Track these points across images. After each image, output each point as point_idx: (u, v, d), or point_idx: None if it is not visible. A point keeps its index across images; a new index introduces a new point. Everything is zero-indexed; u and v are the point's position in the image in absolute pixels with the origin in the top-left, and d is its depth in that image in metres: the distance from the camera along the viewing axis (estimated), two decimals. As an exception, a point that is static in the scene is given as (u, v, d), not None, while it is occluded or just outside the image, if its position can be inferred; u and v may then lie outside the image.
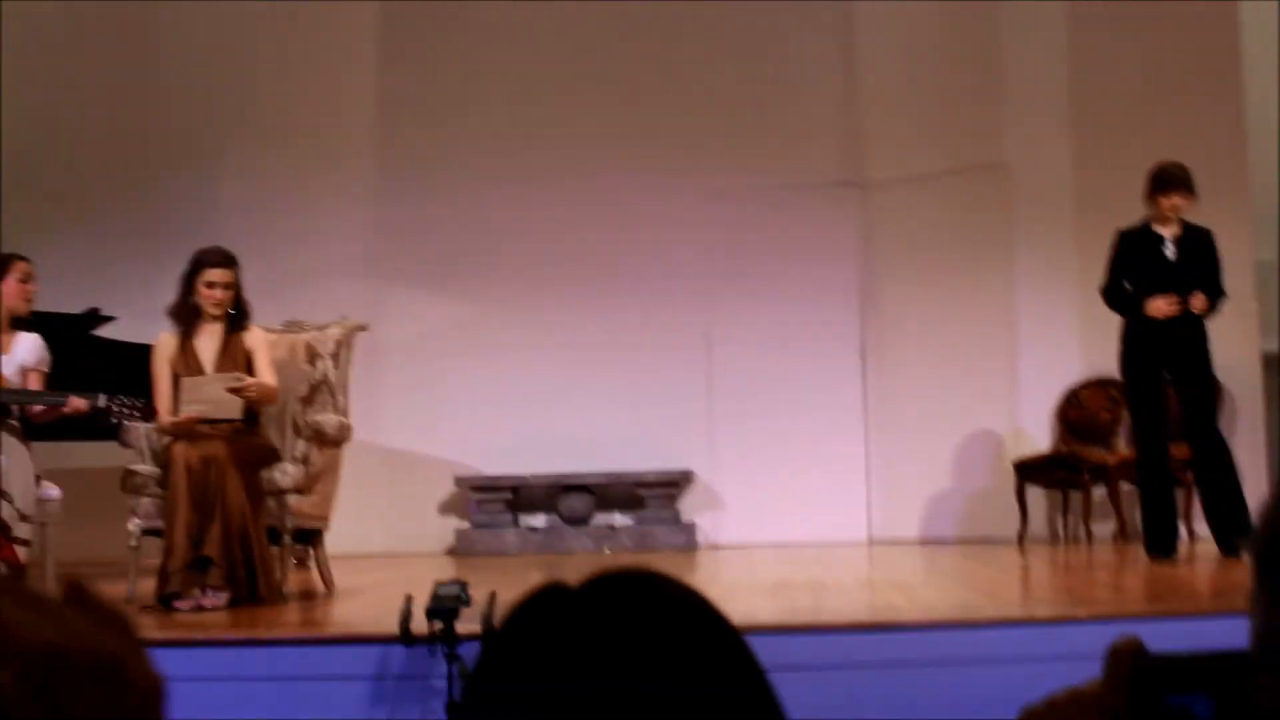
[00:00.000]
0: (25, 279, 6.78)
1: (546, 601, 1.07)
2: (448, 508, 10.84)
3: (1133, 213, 7.91)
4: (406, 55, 11.12)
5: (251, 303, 7.02)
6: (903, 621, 5.21)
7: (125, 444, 6.89)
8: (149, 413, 6.63)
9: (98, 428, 7.19)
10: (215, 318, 6.85)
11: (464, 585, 4.76)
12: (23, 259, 6.86)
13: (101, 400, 6.46)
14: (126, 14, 10.87)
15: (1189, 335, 7.52)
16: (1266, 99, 10.10)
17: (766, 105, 10.91)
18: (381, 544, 9.97)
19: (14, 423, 6.56)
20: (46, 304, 8.05)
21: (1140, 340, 7.61)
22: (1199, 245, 7.67)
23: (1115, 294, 7.78)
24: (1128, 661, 1.20)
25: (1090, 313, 9.46)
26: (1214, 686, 1.13)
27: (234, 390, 6.50)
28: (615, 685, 1.01)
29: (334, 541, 7.50)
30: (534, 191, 10.88)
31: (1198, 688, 1.14)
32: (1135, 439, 7.87)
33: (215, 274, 6.81)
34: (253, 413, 6.74)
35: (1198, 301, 7.47)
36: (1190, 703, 1.14)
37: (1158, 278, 7.60)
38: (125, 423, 6.61)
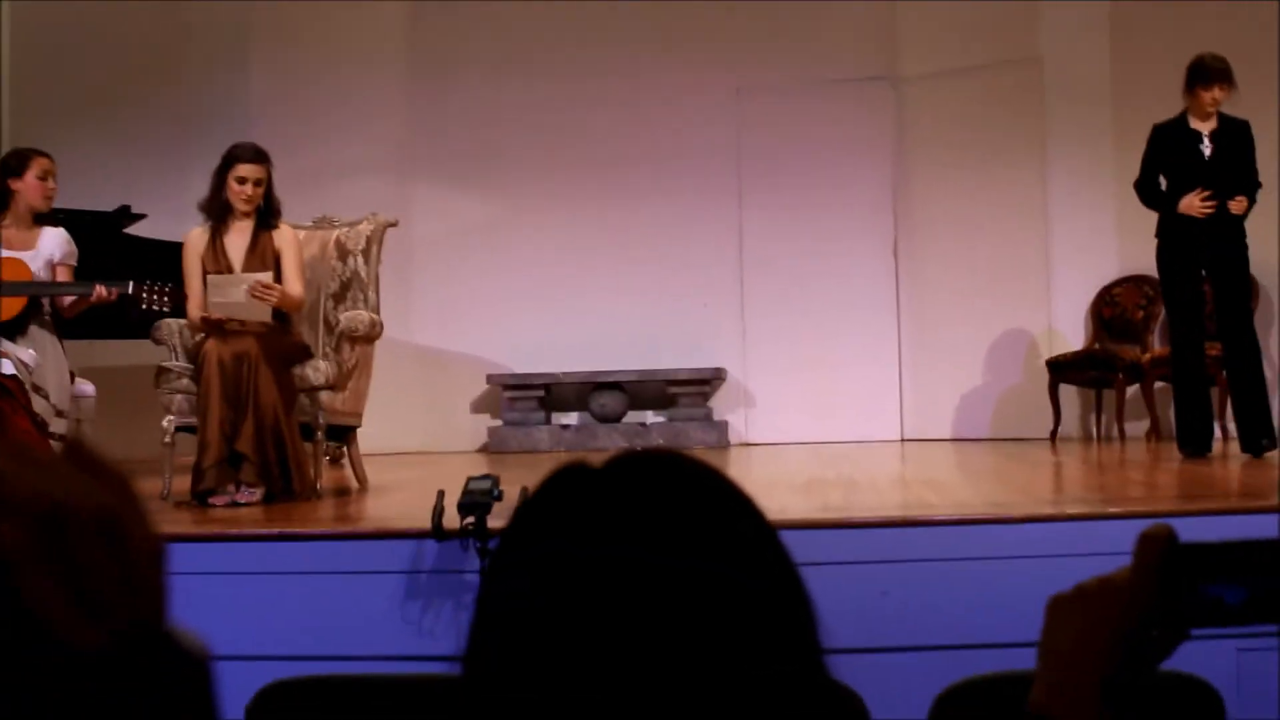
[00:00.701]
0: (45, 176, 6.75)
1: (569, 477, 1.07)
2: (480, 405, 10.89)
3: (1169, 109, 7.81)
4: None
5: (282, 200, 7.01)
6: (935, 518, 5.20)
7: (158, 341, 6.92)
8: (177, 296, 6.65)
9: (130, 323, 7.23)
10: (246, 214, 6.85)
11: (495, 481, 4.78)
12: (43, 154, 6.82)
13: (130, 287, 6.49)
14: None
15: (1226, 234, 7.44)
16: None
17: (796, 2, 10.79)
18: (415, 442, 10.03)
19: (46, 318, 6.60)
20: (77, 201, 8.07)
21: (1177, 238, 7.52)
22: (1237, 138, 7.57)
23: (1150, 190, 7.70)
24: (1158, 548, 1.19)
25: (1126, 210, 9.40)
26: (1247, 575, 1.11)
27: (256, 295, 6.51)
28: (637, 555, 1.00)
29: (367, 439, 7.54)
30: (565, 88, 10.84)
31: (1230, 577, 1.13)
32: (1171, 337, 7.81)
33: (246, 169, 6.80)
34: (281, 312, 6.75)
35: (1236, 205, 7.39)
36: (1222, 592, 1.12)
37: (1193, 174, 7.51)
38: (154, 309, 6.63)
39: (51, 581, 0.57)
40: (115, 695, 0.58)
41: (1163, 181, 7.64)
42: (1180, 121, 7.64)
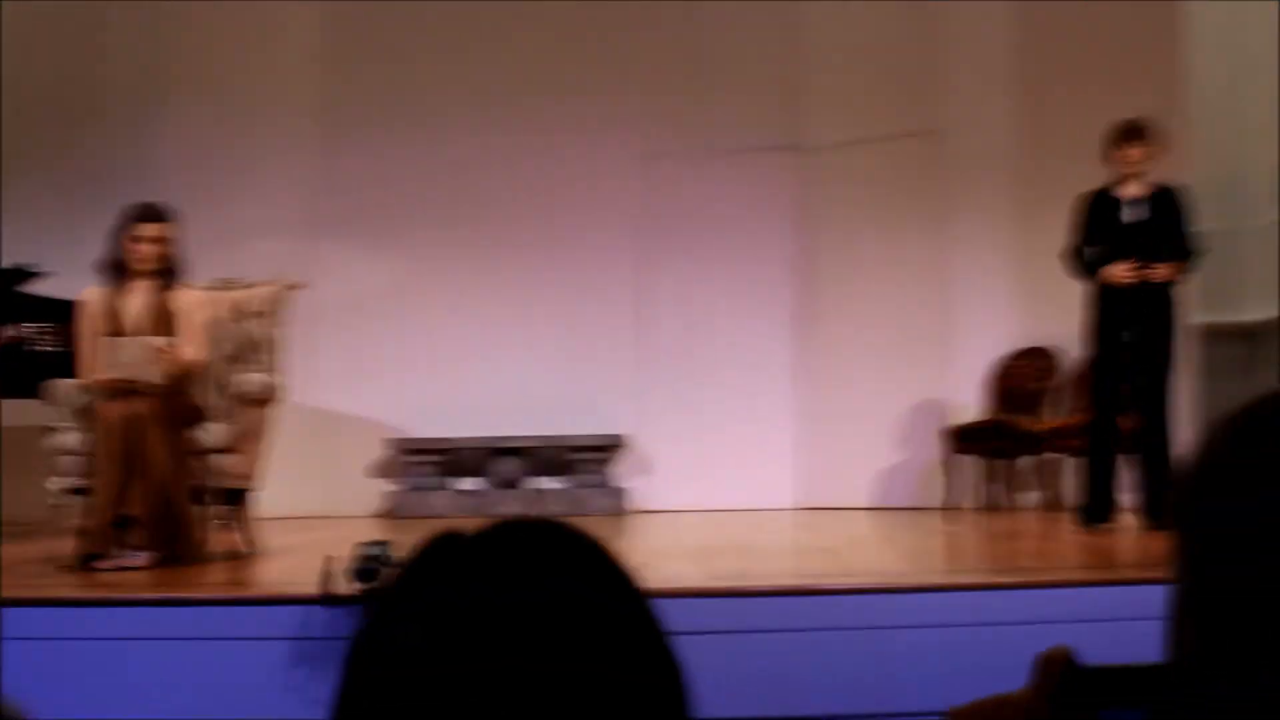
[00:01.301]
0: None
1: (440, 548, 1.07)
2: (380, 470, 10.83)
3: (1071, 184, 7.87)
4: (347, 11, 11.05)
5: (187, 261, 6.95)
6: (827, 587, 5.21)
7: (45, 400, 6.84)
8: (63, 335, 6.59)
9: (19, 380, 7.14)
10: (147, 274, 6.79)
11: (386, 545, 4.77)
12: None
13: (9, 330, 6.42)
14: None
15: (1153, 303, 7.43)
16: (1208, 68, 10.19)
17: (705, 66, 10.89)
18: (315, 505, 9.95)
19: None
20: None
21: (1104, 307, 7.52)
22: (1167, 205, 7.55)
23: (1077, 258, 7.67)
24: (1057, 671, 1.19)
25: (1025, 281, 9.54)
26: (1143, 700, 1.10)
27: (153, 360, 6.46)
28: (504, 628, 0.98)
29: (267, 502, 7.50)
30: (471, 150, 10.88)
31: (1126, 701, 1.12)
32: (1092, 405, 7.77)
33: (145, 229, 6.76)
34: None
35: (1159, 272, 7.38)
36: (1118, 717, 1.11)
37: (1117, 242, 7.51)
38: (42, 350, 6.56)
39: None
40: None
41: (1091, 250, 7.62)
42: (1104, 190, 7.65)
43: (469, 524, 1.09)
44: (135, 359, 6.46)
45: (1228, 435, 1.06)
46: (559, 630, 1.00)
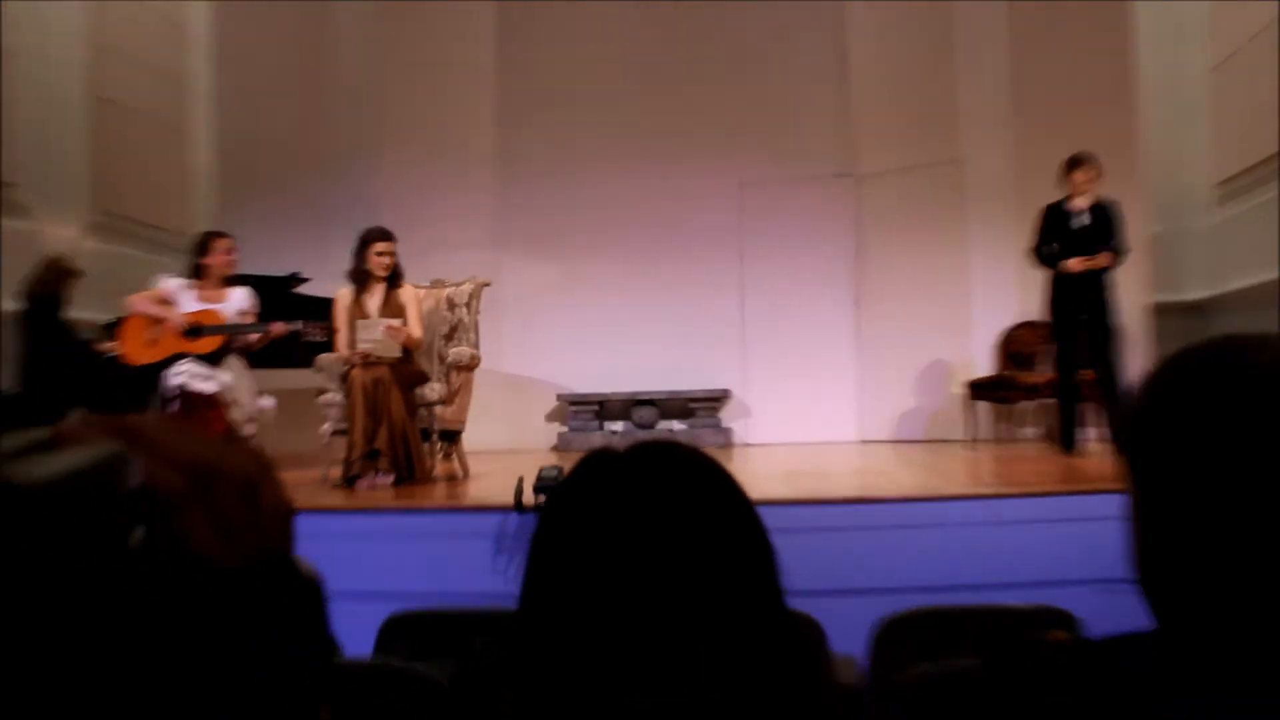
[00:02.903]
0: (228, 251, 6.87)
1: (599, 458, 1.11)
2: (552, 416, 10.94)
3: (1054, 197, 7.82)
4: (515, 83, 11.16)
5: (404, 267, 7.11)
6: (878, 495, 5.25)
7: (318, 369, 7.02)
8: (330, 333, 6.75)
9: (296, 358, 7.32)
10: (379, 279, 6.94)
11: (560, 469, 4.83)
12: (223, 235, 6.94)
13: (298, 324, 6.59)
14: (312, 52, 10.94)
15: (1097, 286, 7.40)
16: (1158, 102, 10.02)
17: (780, 111, 10.88)
18: (504, 443, 10.07)
19: (238, 352, 6.71)
20: (264, 267, 8.21)
21: (1061, 291, 7.49)
22: (1105, 214, 7.53)
23: (1039, 254, 7.64)
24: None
25: (1024, 272, 9.40)
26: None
27: (389, 334, 6.60)
28: (650, 517, 1.02)
29: (469, 440, 7.61)
30: (610, 183, 10.93)
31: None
32: (1056, 365, 7.78)
33: (382, 245, 6.91)
34: (407, 350, 6.84)
35: (1101, 259, 7.36)
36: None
37: (1072, 241, 7.48)
38: (315, 340, 6.72)
39: (200, 517, 0.61)
40: (245, 601, 0.62)
41: (1051, 248, 7.58)
42: (1063, 202, 7.62)
43: (618, 443, 1.12)
44: (378, 334, 6.61)
45: (1164, 376, 1.03)
46: (682, 522, 1.03)
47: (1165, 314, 9.75)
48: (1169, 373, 1.02)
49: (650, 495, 1.04)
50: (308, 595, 0.67)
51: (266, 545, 0.64)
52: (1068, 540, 4.74)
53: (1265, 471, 0.92)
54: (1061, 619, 2.87)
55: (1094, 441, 7.92)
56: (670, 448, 1.12)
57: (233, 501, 0.63)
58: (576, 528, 1.04)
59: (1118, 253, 7.50)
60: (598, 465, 1.09)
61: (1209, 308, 10.39)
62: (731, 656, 1.00)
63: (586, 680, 0.99)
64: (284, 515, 0.67)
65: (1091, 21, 9.55)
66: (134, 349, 6.60)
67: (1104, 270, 7.41)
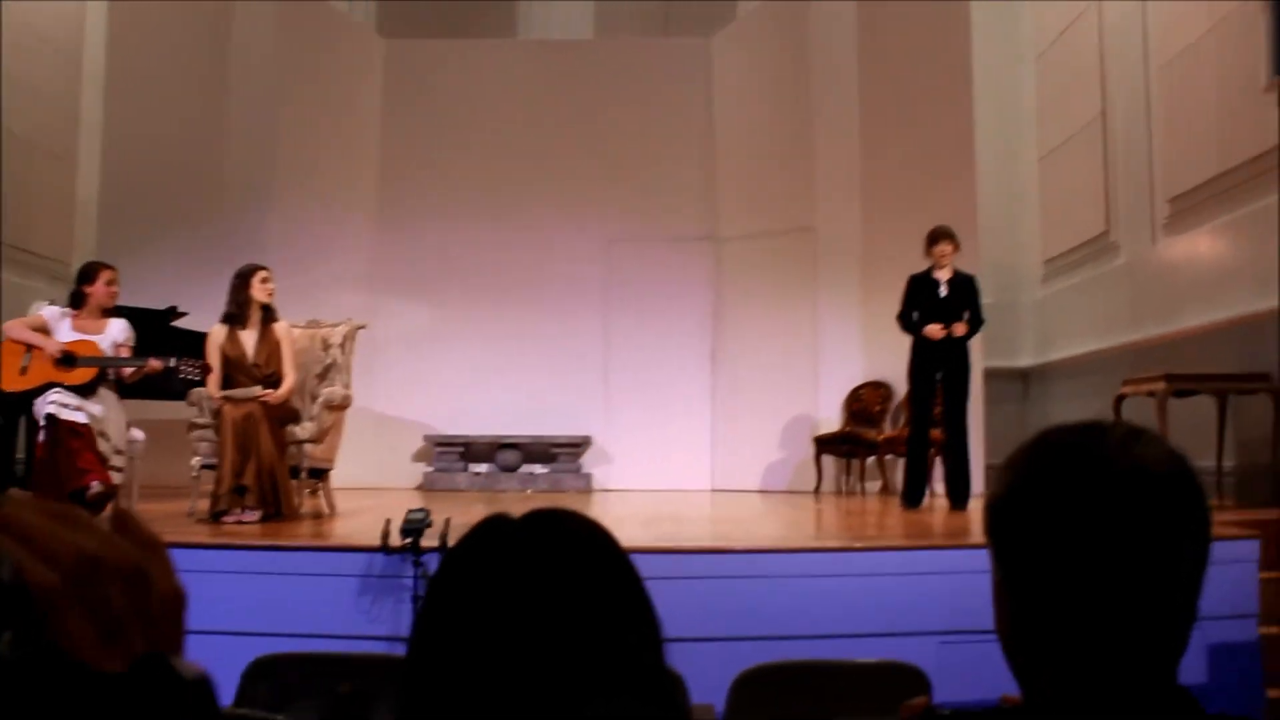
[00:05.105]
0: (110, 282, 6.60)
1: (493, 525, 1.07)
2: (419, 456, 10.76)
3: (900, 265, 7.93)
4: (398, 136, 11.04)
5: (280, 307, 6.95)
6: (734, 546, 5.22)
7: (190, 403, 6.78)
8: (206, 370, 6.54)
9: (170, 390, 7.07)
10: (256, 314, 6.75)
11: (427, 512, 4.75)
12: (108, 266, 6.67)
13: (173, 361, 6.36)
14: (203, 89, 10.63)
15: (954, 352, 7.49)
16: (994, 184, 10.33)
17: (653, 177, 10.95)
18: (372, 479, 9.86)
19: (111, 383, 6.44)
20: (143, 300, 7.92)
21: (921, 353, 7.57)
22: (964, 286, 7.65)
23: (905, 320, 7.70)
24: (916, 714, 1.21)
25: (868, 333, 9.59)
26: None
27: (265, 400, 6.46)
28: (541, 577, 1.00)
29: (338, 477, 7.43)
30: (484, 232, 10.91)
31: None
32: (909, 421, 7.83)
33: (265, 273, 6.80)
34: (276, 383, 6.68)
35: (959, 328, 7.46)
36: None
37: (933, 309, 7.57)
38: (190, 378, 6.50)
39: (80, 618, 0.54)
40: (128, 709, 0.55)
41: (914, 315, 7.65)
42: (926, 273, 7.70)
43: (512, 509, 1.09)
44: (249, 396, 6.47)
45: (1027, 463, 1.07)
46: (571, 587, 1.01)
47: (997, 378, 10.02)
48: (1032, 460, 1.07)
49: (542, 561, 1.03)
50: (196, 700, 0.58)
51: (154, 644, 0.55)
52: (913, 592, 4.77)
53: (1118, 553, 1.00)
54: (912, 676, 2.87)
55: (930, 498, 8.04)
56: (563, 517, 1.09)
57: (117, 597, 0.54)
58: (468, 589, 1.03)
59: (976, 323, 7.63)
60: (493, 530, 1.07)
61: (1034, 374, 10.71)
62: (612, 712, 0.99)
63: None
64: (175, 606, 0.58)
65: (937, 102, 9.80)
66: (5, 376, 6.28)
67: (961, 338, 7.52)
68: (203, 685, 0.59)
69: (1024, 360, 10.78)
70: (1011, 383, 10.70)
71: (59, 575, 0.52)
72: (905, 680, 2.83)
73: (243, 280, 6.78)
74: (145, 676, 0.55)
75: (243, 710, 2.10)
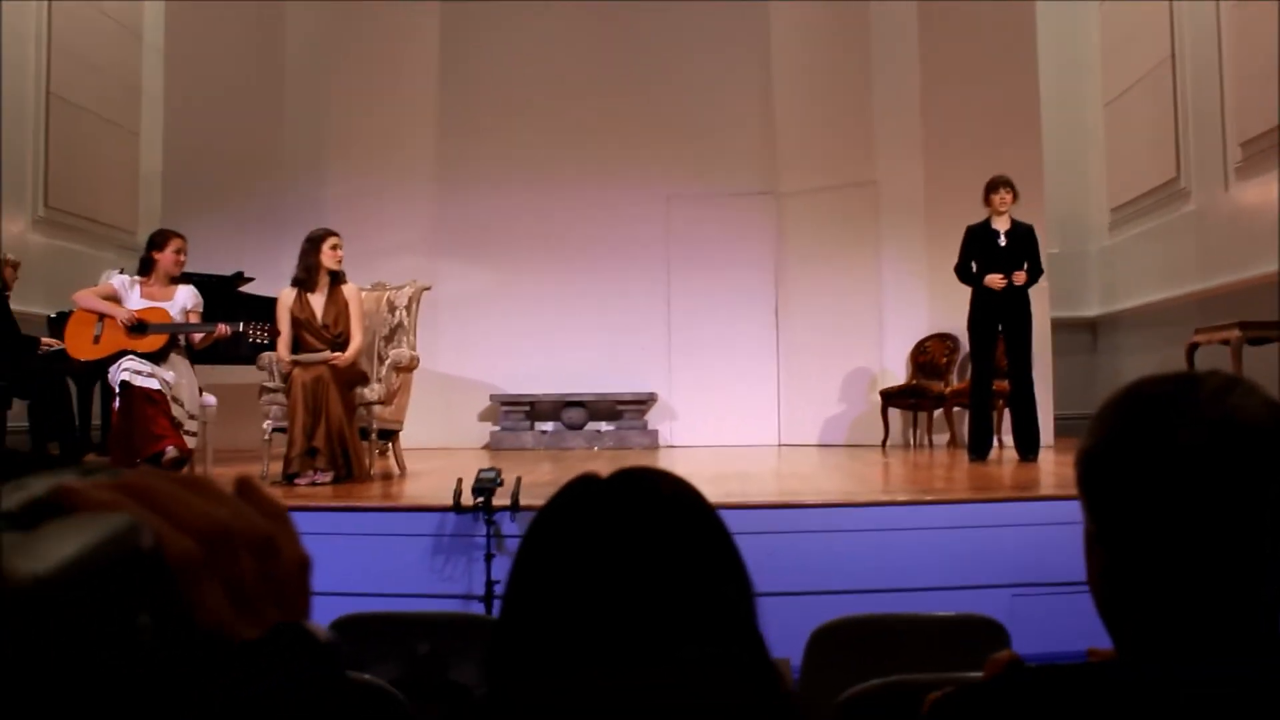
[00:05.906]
0: (179, 250, 6.63)
1: (584, 484, 1.09)
2: (485, 416, 10.79)
3: (963, 218, 7.79)
4: (457, 101, 11.00)
5: (347, 271, 6.95)
6: (802, 501, 5.18)
7: (260, 367, 6.84)
8: (273, 334, 6.57)
9: (239, 355, 7.13)
10: (325, 278, 6.77)
11: (498, 471, 4.75)
12: (177, 235, 6.71)
13: (241, 325, 6.40)
14: (261, 58, 10.68)
15: (1015, 302, 7.39)
16: (1058, 132, 10.11)
17: (712, 134, 10.81)
18: (438, 440, 9.92)
19: (182, 350, 6.50)
20: (208, 267, 7.98)
21: (981, 305, 7.47)
22: (1023, 235, 7.53)
23: (963, 271, 7.62)
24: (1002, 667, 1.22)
25: (934, 286, 9.44)
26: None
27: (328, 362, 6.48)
28: (628, 537, 1.02)
29: (406, 438, 7.47)
30: (544, 193, 10.82)
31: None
32: (972, 374, 7.72)
33: (335, 239, 6.80)
34: (344, 345, 6.70)
35: (1019, 276, 7.36)
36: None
37: (993, 259, 7.47)
38: (257, 342, 6.54)
39: (215, 589, 0.52)
40: (264, 678, 0.53)
41: (973, 265, 7.58)
42: (985, 223, 7.59)
43: (583, 467, 1.12)
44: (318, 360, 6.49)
45: (1119, 414, 1.05)
46: (662, 548, 1.02)
47: (1064, 329, 9.86)
48: (1123, 412, 1.05)
49: (635, 518, 1.04)
50: (325, 667, 0.57)
51: (285, 612, 0.54)
52: (983, 545, 4.71)
53: (1211, 504, 0.98)
54: (990, 629, 2.81)
55: (998, 450, 7.94)
56: (653, 475, 1.10)
57: (250, 566, 0.52)
58: (562, 548, 1.04)
59: (1036, 272, 7.50)
60: (581, 491, 1.09)
61: (1102, 324, 10.53)
62: (708, 681, 1.00)
63: (566, 695, 0.99)
64: (302, 573, 0.57)
65: (999, 53, 9.59)
66: (78, 345, 6.36)
67: (1021, 287, 7.40)
68: (338, 649, 0.58)
69: (1091, 310, 10.59)
70: (1079, 333, 10.53)
71: (196, 545, 0.50)
72: (983, 633, 2.77)
73: (313, 245, 6.79)
74: (284, 643, 0.53)
75: (356, 674, 2.11)
